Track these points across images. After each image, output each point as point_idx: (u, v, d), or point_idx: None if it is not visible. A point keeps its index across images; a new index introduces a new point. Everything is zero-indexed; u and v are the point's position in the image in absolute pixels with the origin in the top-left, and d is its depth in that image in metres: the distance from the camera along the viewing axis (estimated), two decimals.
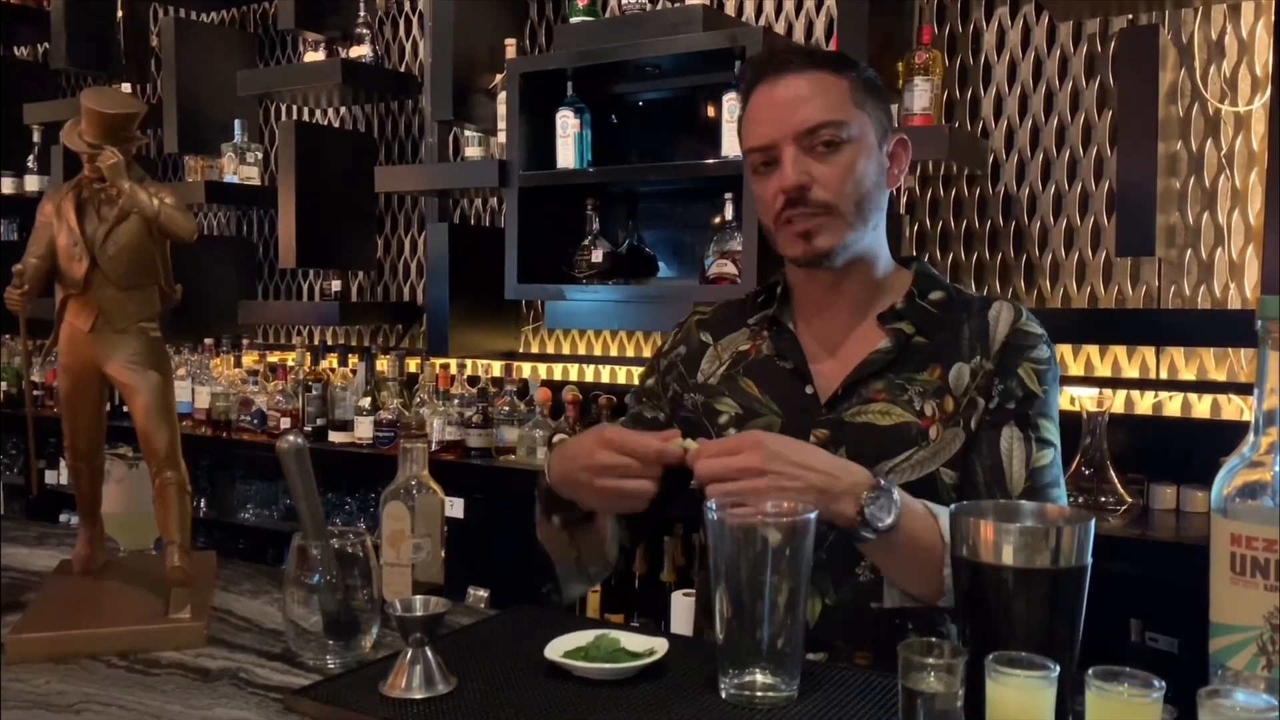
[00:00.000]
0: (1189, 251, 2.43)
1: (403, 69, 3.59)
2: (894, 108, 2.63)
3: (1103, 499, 2.24)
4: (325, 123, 3.78)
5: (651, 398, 1.51)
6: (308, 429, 3.20)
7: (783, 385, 1.37)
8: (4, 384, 4.06)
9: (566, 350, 3.32)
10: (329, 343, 3.72)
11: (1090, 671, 0.81)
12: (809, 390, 1.35)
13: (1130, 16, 2.46)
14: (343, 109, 3.74)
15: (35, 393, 3.70)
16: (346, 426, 3.17)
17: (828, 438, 1.31)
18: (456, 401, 3.01)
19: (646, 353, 3.12)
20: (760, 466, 1.11)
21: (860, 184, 1.30)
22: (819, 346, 1.39)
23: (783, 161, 1.29)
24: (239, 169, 3.69)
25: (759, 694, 0.99)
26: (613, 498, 1.22)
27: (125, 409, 1.30)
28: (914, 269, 1.41)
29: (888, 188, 1.36)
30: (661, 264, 2.95)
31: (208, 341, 3.56)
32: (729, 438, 1.20)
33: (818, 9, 2.87)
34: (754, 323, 1.45)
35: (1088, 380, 2.53)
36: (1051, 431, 1.32)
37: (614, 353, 3.22)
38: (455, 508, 2.72)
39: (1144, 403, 2.49)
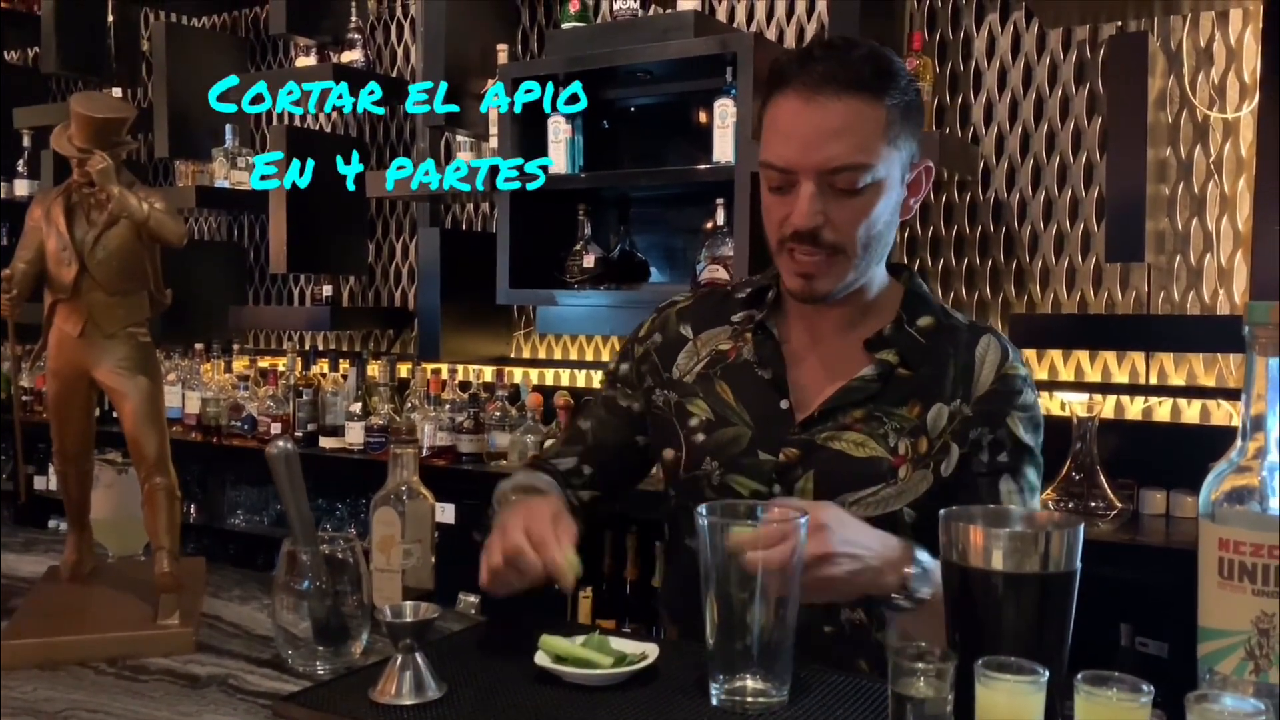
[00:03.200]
0: (1178, 257, 2.44)
1: (394, 74, 3.59)
2: None
3: (1093, 504, 2.24)
4: (316, 127, 3.77)
5: (627, 385, 1.47)
6: (298, 434, 3.19)
7: (758, 395, 1.35)
8: None
9: (558, 355, 3.32)
10: (320, 348, 3.71)
11: (1079, 676, 0.81)
12: (784, 405, 1.33)
13: (1119, 23, 2.48)
14: (334, 114, 3.74)
15: (24, 398, 3.69)
16: (337, 432, 3.16)
17: (797, 458, 1.30)
18: (448, 407, 3.00)
19: None
20: (831, 552, 1.08)
21: (873, 226, 1.26)
22: (802, 360, 1.36)
23: (800, 196, 1.23)
24: (230, 173, 3.68)
25: (749, 699, 0.99)
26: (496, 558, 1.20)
27: (114, 414, 1.29)
28: (905, 284, 1.38)
29: (901, 219, 1.32)
30: (653, 269, 2.95)
31: (198, 346, 3.55)
32: (774, 526, 1.01)
33: (809, 15, 2.88)
34: (738, 321, 1.41)
35: (1077, 385, 2.54)
36: (1036, 477, 1.34)
37: (605, 358, 3.22)
38: (446, 513, 2.72)
39: (1134, 408, 2.50)
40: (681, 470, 1.38)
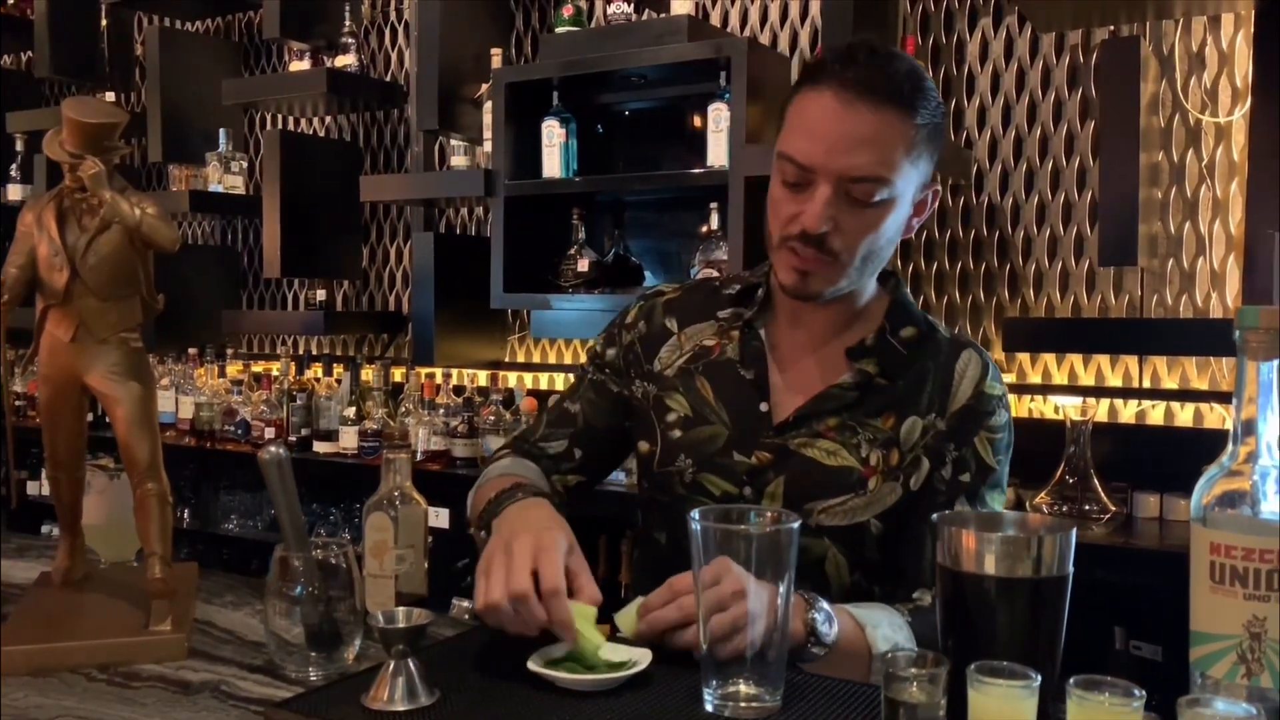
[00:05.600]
0: (1171, 261, 2.45)
1: (388, 78, 3.59)
2: None
3: (1086, 507, 2.25)
4: (310, 132, 3.77)
5: (614, 371, 1.46)
6: (292, 439, 3.19)
7: (738, 395, 1.35)
8: None
9: (552, 359, 3.32)
10: (314, 352, 3.71)
11: (1072, 680, 0.81)
12: (764, 407, 1.33)
13: (1112, 28, 2.48)
14: (328, 118, 3.74)
15: (16, 403, 3.68)
16: (331, 436, 3.15)
17: (769, 462, 1.30)
18: (442, 411, 3.00)
19: None
20: (741, 588, 0.99)
21: (877, 240, 1.25)
22: (785, 363, 1.36)
23: (814, 198, 1.21)
24: (223, 178, 3.68)
25: (743, 704, 0.99)
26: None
27: (107, 419, 1.29)
28: (891, 293, 1.37)
29: (902, 237, 1.31)
30: (647, 273, 2.95)
31: (192, 351, 3.55)
32: (679, 594, 1.12)
33: (802, 20, 2.88)
34: (725, 318, 1.40)
35: (1071, 389, 2.54)
36: (998, 501, 1.32)
37: None
38: (440, 518, 2.71)
39: (1127, 411, 2.51)
40: (655, 465, 1.38)
